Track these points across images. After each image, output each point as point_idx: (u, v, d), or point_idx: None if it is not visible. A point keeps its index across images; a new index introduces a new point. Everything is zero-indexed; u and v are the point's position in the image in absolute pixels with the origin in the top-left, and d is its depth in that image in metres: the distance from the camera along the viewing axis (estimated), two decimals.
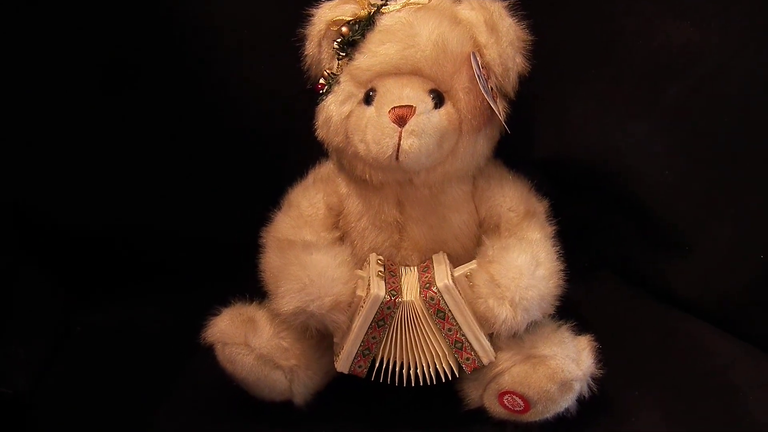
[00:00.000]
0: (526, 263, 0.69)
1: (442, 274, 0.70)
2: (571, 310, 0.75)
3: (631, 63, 0.85)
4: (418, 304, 0.70)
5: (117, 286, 1.00)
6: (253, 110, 0.95)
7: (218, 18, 0.90)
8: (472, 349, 0.70)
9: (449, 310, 0.69)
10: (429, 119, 0.67)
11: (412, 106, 0.66)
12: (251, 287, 0.77)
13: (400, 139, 0.66)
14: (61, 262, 0.97)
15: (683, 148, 0.85)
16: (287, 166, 0.83)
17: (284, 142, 0.94)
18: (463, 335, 0.70)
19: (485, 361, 0.71)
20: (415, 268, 0.75)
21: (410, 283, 0.72)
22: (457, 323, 0.69)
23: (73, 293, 0.98)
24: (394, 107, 0.66)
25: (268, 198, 0.81)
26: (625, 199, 0.91)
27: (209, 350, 0.75)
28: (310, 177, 0.82)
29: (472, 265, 0.72)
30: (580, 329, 0.74)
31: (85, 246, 0.98)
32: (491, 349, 0.71)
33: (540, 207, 0.78)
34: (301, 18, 0.76)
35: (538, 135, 0.93)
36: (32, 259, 0.94)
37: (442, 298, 0.69)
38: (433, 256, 0.75)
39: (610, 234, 0.97)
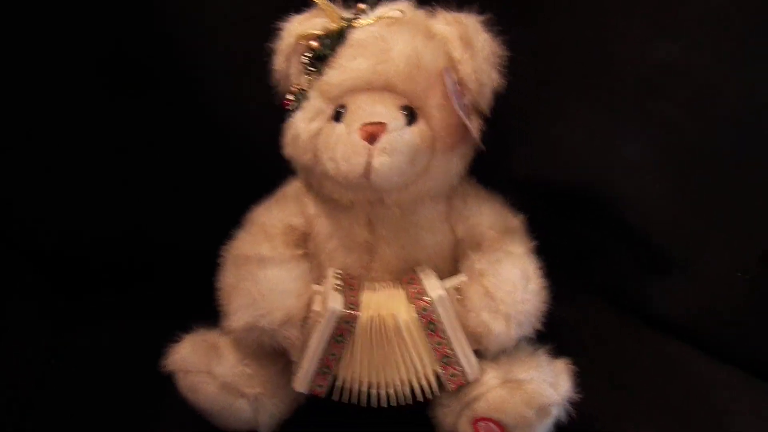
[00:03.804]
0: (518, 276, 0.68)
1: (435, 285, 0.69)
2: (553, 332, 0.73)
3: (619, 83, 0.84)
4: (404, 318, 0.67)
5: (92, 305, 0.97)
6: (232, 125, 0.94)
7: (198, 36, 0.89)
8: (459, 364, 0.68)
9: (440, 323, 0.67)
10: (401, 136, 0.65)
11: (383, 123, 0.64)
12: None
13: (370, 158, 0.64)
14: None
15: (671, 168, 0.84)
16: (258, 184, 0.80)
17: (255, 158, 0.91)
18: (452, 350, 0.68)
19: (471, 378, 0.69)
20: (384, 285, 0.72)
21: (377, 299, 0.70)
22: (447, 337, 0.67)
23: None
24: (365, 124, 0.64)
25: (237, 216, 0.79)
26: (611, 220, 0.90)
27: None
28: (276, 194, 0.80)
29: (461, 277, 0.70)
30: (561, 352, 0.72)
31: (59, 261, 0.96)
32: (478, 366, 0.69)
33: (517, 222, 0.77)
34: (270, 32, 0.73)
35: (523, 155, 0.91)
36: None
37: (435, 310, 0.67)
38: (417, 269, 0.73)
39: (595, 256, 0.96)
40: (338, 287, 0.69)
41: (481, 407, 0.69)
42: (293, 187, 0.79)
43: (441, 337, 0.68)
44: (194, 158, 0.96)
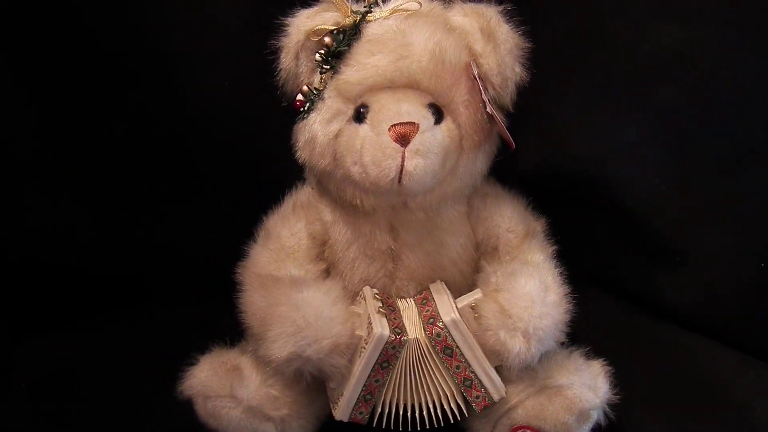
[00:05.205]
0: (535, 289, 0.64)
1: (447, 308, 0.65)
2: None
3: (619, 67, 0.82)
4: (423, 341, 0.64)
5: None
6: (222, 128, 0.89)
7: (182, 31, 0.85)
8: (482, 386, 0.65)
9: (457, 347, 0.64)
10: (434, 136, 0.61)
11: (414, 123, 0.60)
12: (222, 324, 0.69)
13: (403, 160, 0.60)
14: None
15: (674, 154, 0.83)
16: (260, 191, 0.76)
17: (256, 164, 0.87)
18: (473, 372, 0.64)
19: (496, 397, 0.66)
20: (412, 300, 0.69)
21: (411, 317, 0.66)
22: (466, 360, 0.64)
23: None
24: (395, 125, 0.60)
25: (242, 227, 0.74)
26: (613, 209, 0.89)
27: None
28: (288, 204, 0.74)
29: (476, 294, 0.66)
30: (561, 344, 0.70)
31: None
32: (501, 384, 0.66)
33: (538, 226, 0.74)
34: (273, 28, 0.68)
35: (521, 143, 0.89)
36: None
37: (450, 334, 0.63)
38: (431, 286, 0.69)
39: (597, 246, 0.95)
40: (381, 310, 0.65)
41: (520, 415, 0.66)
42: (305, 194, 0.74)
43: (459, 361, 0.64)
44: (195, 164, 0.92)
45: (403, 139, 0.60)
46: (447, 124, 0.64)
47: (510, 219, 0.73)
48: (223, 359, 0.67)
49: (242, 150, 0.91)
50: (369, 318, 0.63)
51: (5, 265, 0.91)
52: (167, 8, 0.86)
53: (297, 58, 0.67)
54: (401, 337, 0.63)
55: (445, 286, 0.69)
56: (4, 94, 0.86)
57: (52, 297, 0.92)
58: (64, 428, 0.76)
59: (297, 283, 0.65)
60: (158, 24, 0.86)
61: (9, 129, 0.87)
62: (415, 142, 0.60)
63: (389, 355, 0.63)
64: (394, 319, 0.65)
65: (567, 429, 0.65)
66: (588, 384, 0.66)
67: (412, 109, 0.61)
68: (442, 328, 0.63)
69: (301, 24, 0.67)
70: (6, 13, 0.82)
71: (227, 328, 0.70)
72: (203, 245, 0.88)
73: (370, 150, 0.61)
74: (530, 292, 0.63)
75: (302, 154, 0.67)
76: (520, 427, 0.66)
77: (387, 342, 0.62)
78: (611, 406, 0.68)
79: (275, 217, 0.74)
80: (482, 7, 0.67)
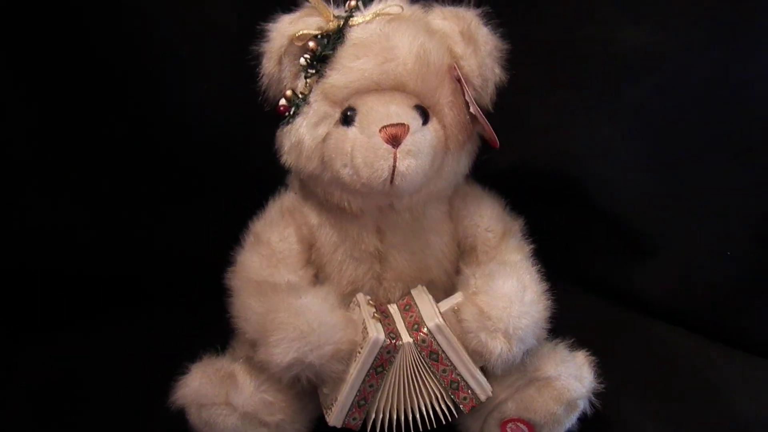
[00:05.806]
0: (513, 289, 0.65)
1: (430, 313, 0.66)
2: None
3: (590, 68, 0.84)
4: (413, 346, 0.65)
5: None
6: (223, 129, 0.91)
7: (182, 33, 0.87)
8: (469, 387, 0.66)
9: (442, 351, 0.65)
10: (424, 137, 0.62)
11: (404, 124, 0.61)
12: (222, 325, 0.70)
13: (395, 161, 0.61)
14: None
15: (646, 151, 0.84)
16: (260, 191, 0.76)
17: (257, 165, 0.87)
18: (459, 374, 0.65)
19: (483, 398, 0.67)
20: (396, 306, 0.69)
21: (399, 323, 0.67)
22: (452, 363, 0.65)
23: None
24: (386, 126, 0.61)
25: (242, 228, 0.75)
26: (588, 206, 0.90)
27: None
28: (274, 209, 0.75)
29: (457, 297, 0.67)
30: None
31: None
32: (487, 384, 0.66)
33: (516, 226, 0.75)
34: (255, 33, 0.69)
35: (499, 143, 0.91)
36: None
37: (435, 340, 0.64)
38: (412, 291, 0.70)
39: (574, 242, 0.96)
40: (376, 315, 0.65)
41: (510, 409, 0.67)
42: (290, 199, 0.75)
43: (445, 365, 0.65)
44: (195, 165, 0.94)
45: (395, 140, 0.61)
46: (433, 124, 0.65)
47: (489, 219, 0.74)
48: (217, 367, 0.68)
49: (243, 150, 0.92)
50: (363, 323, 0.64)
51: (5, 266, 0.92)
52: (168, 10, 0.87)
53: (280, 63, 0.68)
54: (396, 342, 0.64)
55: (426, 290, 0.70)
56: (4, 94, 0.87)
57: (52, 298, 0.93)
58: (64, 428, 0.77)
59: (295, 289, 0.66)
60: (159, 25, 0.87)
61: (9, 129, 0.88)
62: (407, 143, 0.61)
63: (384, 359, 0.64)
64: (389, 324, 0.66)
65: (556, 419, 0.67)
66: (574, 374, 0.67)
67: (400, 111, 0.62)
68: (426, 334, 0.64)
69: (284, 29, 0.67)
70: (6, 13, 0.83)
71: (227, 328, 0.70)
72: (203, 246, 0.88)
73: (361, 152, 0.62)
74: (508, 292, 0.64)
75: (288, 158, 0.68)
76: (510, 420, 0.68)
77: (382, 346, 0.63)
78: (596, 395, 0.69)
79: (262, 223, 0.74)
80: (461, 11, 0.68)
